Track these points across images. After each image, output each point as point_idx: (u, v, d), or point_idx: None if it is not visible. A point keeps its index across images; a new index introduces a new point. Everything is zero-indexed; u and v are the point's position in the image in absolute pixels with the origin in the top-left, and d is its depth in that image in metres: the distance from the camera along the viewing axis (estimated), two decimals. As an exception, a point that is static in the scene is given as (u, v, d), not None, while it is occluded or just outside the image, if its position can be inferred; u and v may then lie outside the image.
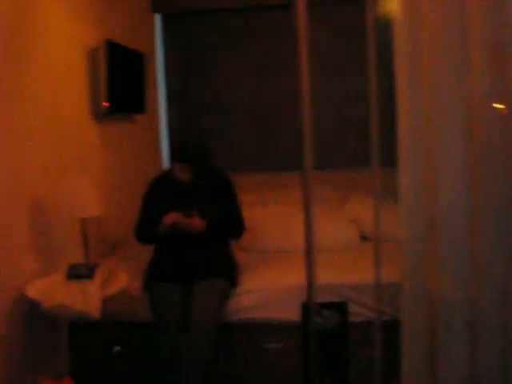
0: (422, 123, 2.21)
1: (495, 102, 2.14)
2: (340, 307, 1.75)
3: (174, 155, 2.86)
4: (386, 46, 2.12)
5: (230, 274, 2.92)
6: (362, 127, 4.45)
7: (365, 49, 1.83)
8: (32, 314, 2.62)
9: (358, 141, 4.49)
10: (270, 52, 4.65)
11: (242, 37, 4.68)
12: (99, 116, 3.49)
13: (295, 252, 3.30)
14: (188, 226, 2.76)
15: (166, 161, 4.83)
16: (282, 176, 4.52)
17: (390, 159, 2.16)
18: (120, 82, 3.57)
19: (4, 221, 2.49)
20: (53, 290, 2.52)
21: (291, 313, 2.81)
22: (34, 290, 2.54)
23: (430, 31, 2.08)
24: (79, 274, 2.58)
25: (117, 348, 2.92)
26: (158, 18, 4.74)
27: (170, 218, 2.76)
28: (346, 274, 2.93)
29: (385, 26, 2.17)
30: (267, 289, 2.90)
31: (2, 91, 2.49)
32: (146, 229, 2.95)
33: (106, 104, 3.38)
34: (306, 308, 1.62)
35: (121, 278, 2.71)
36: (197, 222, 2.78)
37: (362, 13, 1.90)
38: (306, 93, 1.44)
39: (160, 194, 2.97)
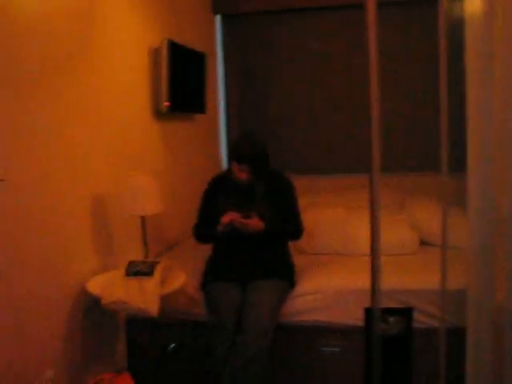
0: (492, 126, 2.13)
1: None
2: (405, 313, 1.70)
3: (233, 155, 2.84)
4: (458, 46, 2.05)
5: (287, 274, 2.90)
6: (421, 130, 4.37)
7: (436, 49, 1.77)
8: (93, 310, 2.67)
9: (417, 144, 4.41)
10: (334, 52, 4.60)
11: (303, 38, 4.64)
12: (160, 115, 3.53)
13: (352, 256, 3.28)
14: (246, 226, 2.76)
15: (224, 161, 4.86)
16: (340, 178, 4.49)
17: (453, 163, 2.09)
18: (181, 82, 3.61)
19: (67, 218, 2.54)
20: (112, 286, 2.54)
21: (348, 316, 2.78)
22: (95, 286, 2.59)
23: (504, 30, 2.00)
24: (139, 270, 2.60)
25: (172, 345, 2.94)
26: (218, 19, 4.77)
27: (228, 217, 2.76)
28: (406, 279, 2.85)
29: (457, 25, 2.10)
30: (324, 292, 2.86)
31: (69, 89, 2.55)
32: (204, 228, 2.96)
33: (166, 103, 3.42)
34: (370, 313, 1.58)
35: (179, 277, 2.72)
36: (255, 223, 2.77)
37: (433, 11, 1.84)
38: (375, 95, 1.40)
39: (218, 194, 2.97)
